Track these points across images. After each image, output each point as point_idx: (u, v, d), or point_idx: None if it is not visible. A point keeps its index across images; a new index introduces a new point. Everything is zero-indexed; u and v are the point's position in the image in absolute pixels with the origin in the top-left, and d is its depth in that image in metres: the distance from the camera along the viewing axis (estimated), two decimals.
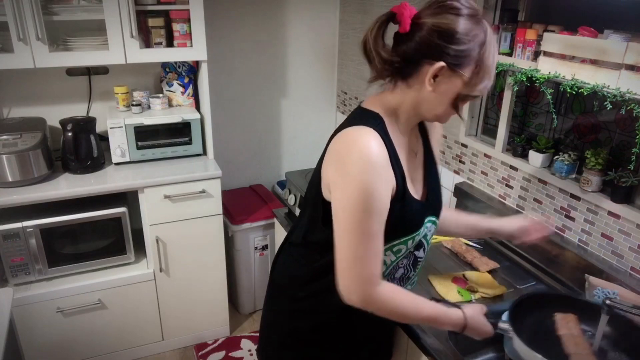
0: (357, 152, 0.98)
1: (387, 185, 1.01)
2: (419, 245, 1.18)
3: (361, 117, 1.07)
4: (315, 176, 1.13)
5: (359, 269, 1.01)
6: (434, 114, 1.06)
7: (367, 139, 0.99)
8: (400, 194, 1.05)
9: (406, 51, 1.01)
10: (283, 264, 1.27)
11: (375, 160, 0.98)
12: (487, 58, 0.98)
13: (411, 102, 1.05)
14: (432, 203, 1.17)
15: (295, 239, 1.23)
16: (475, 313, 1.14)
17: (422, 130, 1.21)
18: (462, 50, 0.96)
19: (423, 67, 1.00)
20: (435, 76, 0.99)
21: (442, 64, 0.97)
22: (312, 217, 1.15)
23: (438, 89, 1.01)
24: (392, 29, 1.04)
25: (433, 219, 1.19)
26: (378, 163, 0.98)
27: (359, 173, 0.97)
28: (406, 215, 1.08)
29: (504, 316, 1.20)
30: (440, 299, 1.18)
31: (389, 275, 1.17)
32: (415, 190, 1.13)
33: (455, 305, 1.15)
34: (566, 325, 1.23)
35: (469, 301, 1.45)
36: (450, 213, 1.40)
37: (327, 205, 1.07)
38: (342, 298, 1.04)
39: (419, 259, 1.21)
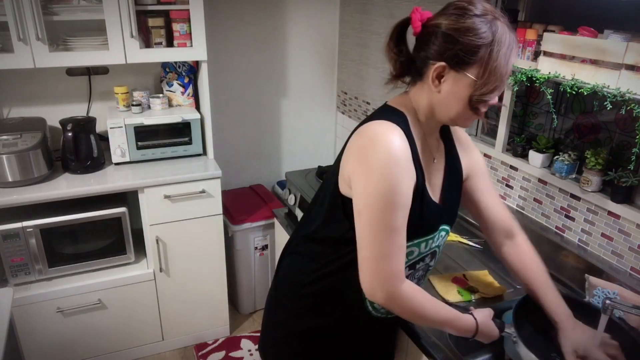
0: (380, 146, 0.97)
1: (409, 180, 1.01)
2: (433, 255, 1.19)
3: (385, 113, 1.07)
4: (333, 171, 1.12)
5: (384, 265, 1.00)
6: (448, 117, 1.04)
7: (391, 134, 0.99)
8: (420, 192, 1.05)
9: (414, 53, 1.03)
10: (291, 260, 1.26)
11: (398, 154, 0.97)
12: (495, 59, 0.95)
13: (426, 103, 1.06)
14: (448, 210, 1.17)
15: (307, 235, 1.20)
16: (485, 318, 1.14)
17: (449, 140, 1.21)
18: (463, 50, 0.96)
19: (429, 68, 1.00)
20: (440, 77, 1.00)
21: (442, 64, 0.98)
22: (329, 211, 1.14)
23: (444, 90, 1.00)
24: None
25: (447, 227, 1.19)
26: (401, 158, 0.98)
27: (382, 167, 0.96)
28: (424, 215, 1.07)
29: (507, 317, 1.20)
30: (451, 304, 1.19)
31: None
32: (433, 193, 1.13)
33: (465, 309, 1.15)
34: None
35: (469, 301, 1.45)
36: (529, 264, 1.25)
37: (344, 200, 1.07)
38: (365, 295, 1.04)
39: (430, 267, 1.23)
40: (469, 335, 1.12)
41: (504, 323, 1.18)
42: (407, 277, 1.13)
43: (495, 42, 0.95)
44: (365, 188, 0.99)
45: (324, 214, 1.15)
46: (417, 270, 1.18)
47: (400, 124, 1.02)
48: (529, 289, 1.24)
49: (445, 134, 1.20)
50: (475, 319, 1.12)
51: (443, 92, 1.01)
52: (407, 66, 1.06)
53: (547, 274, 1.24)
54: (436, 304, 1.08)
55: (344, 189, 1.07)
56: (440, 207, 1.14)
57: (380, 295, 1.02)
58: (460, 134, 1.24)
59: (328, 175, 1.15)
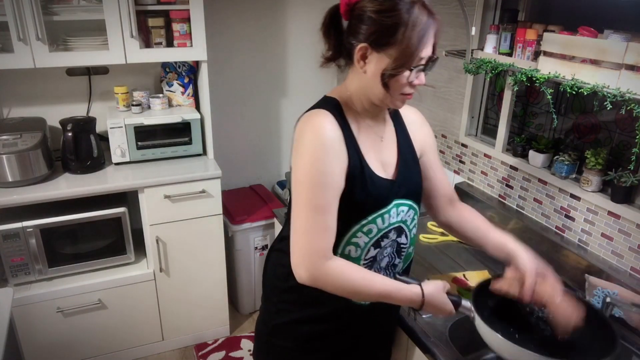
0: (307, 131, 1.05)
1: (338, 161, 1.05)
2: (400, 232, 1.18)
3: (319, 103, 1.14)
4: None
5: (306, 242, 1.03)
6: (377, 97, 1.07)
7: (318, 120, 1.05)
8: (358, 170, 1.08)
9: (344, 37, 1.06)
10: (272, 257, 1.31)
11: (324, 136, 1.03)
12: (408, 39, 0.98)
13: (358, 86, 1.10)
14: (402, 185, 1.17)
15: (285, 233, 1.25)
16: (435, 290, 1.12)
17: (399, 121, 1.24)
18: (380, 31, 0.99)
19: (354, 51, 1.04)
20: (364, 58, 1.03)
21: (364, 44, 1.01)
22: (290, 205, 1.18)
23: (369, 70, 1.04)
24: None
25: (409, 202, 1.19)
26: (327, 139, 1.03)
27: (308, 148, 1.03)
28: (368, 190, 1.09)
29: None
30: (400, 276, 1.16)
31: (372, 263, 1.17)
32: (384, 170, 1.15)
33: (416, 281, 1.13)
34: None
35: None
36: (474, 217, 1.32)
37: None
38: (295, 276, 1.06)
39: (402, 246, 1.22)
40: (415, 307, 1.11)
41: (460, 298, 1.16)
42: (375, 256, 1.16)
43: (409, 22, 0.97)
44: (295, 169, 1.05)
45: (288, 209, 1.20)
46: (384, 247, 1.17)
47: (332, 109, 1.08)
48: (474, 238, 1.29)
49: (396, 115, 1.23)
50: (422, 289, 1.11)
51: (369, 73, 1.04)
52: (339, 50, 1.09)
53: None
54: (370, 278, 1.08)
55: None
56: (391, 182, 1.15)
57: (303, 274, 1.04)
58: (409, 114, 1.27)
59: None
